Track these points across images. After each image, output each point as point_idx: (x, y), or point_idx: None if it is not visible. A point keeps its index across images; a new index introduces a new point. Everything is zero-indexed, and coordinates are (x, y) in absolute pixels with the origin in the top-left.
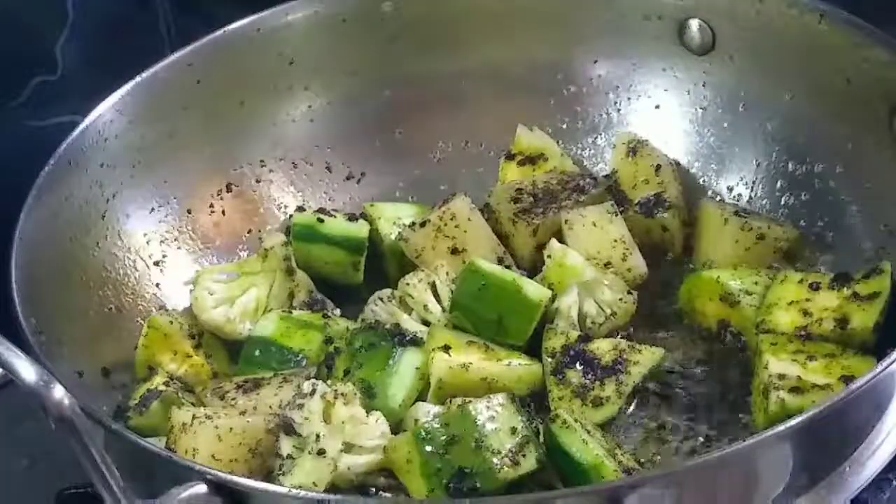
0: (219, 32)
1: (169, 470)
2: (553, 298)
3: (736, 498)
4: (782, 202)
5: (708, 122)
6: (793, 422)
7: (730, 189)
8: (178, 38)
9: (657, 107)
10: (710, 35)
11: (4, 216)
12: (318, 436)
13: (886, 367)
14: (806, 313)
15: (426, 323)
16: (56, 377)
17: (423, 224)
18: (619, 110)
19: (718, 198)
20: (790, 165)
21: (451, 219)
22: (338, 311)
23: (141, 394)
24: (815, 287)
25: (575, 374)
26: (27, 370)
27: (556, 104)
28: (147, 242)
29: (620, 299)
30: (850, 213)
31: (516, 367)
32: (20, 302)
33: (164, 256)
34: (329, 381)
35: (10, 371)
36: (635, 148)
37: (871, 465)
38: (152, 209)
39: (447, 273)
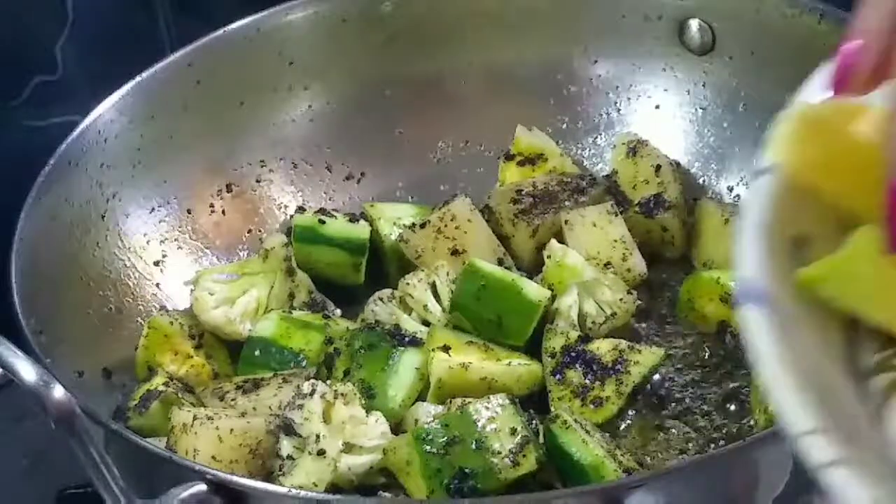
0: (219, 32)
1: (169, 470)
2: (553, 299)
3: (736, 498)
4: None
5: (708, 122)
6: None
7: (730, 189)
8: (178, 38)
9: (657, 107)
10: (710, 35)
11: (4, 216)
12: (318, 436)
13: None
14: None
15: (426, 323)
16: (56, 377)
17: (423, 225)
18: (619, 110)
19: (718, 198)
20: None
21: (452, 220)
22: (338, 312)
23: (141, 394)
24: None
25: (575, 375)
26: (27, 370)
27: (556, 104)
28: (147, 242)
29: (620, 299)
30: None
31: (516, 367)
32: (20, 302)
33: (164, 256)
34: (329, 382)
35: (10, 371)
36: (635, 148)
37: None
38: (152, 209)
39: (447, 273)
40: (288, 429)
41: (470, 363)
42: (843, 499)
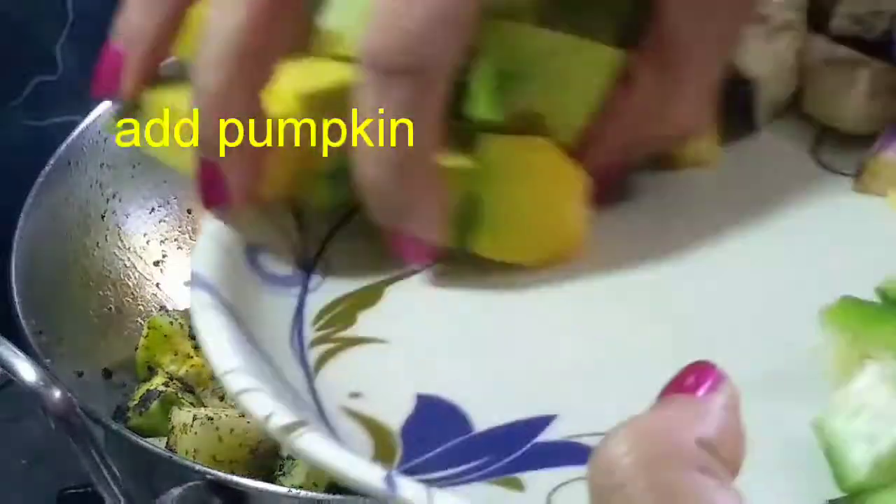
0: None
1: (169, 470)
2: None
3: None
4: None
5: None
6: None
7: None
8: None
9: None
10: None
11: (4, 216)
12: None
13: None
14: None
15: None
16: (56, 377)
17: None
18: None
19: None
20: None
21: None
22: None
23: (141, 394)
24: None
25: None
26: (27, 370)
27: None
28: (147, 242)
29: None
30: None
31: None
32: (20, 302)
33: (164, 256)
34: None
35: (10, 371)
36: None
37: None
38: (152, 209)
39: None
40: None
41: None
42: (252, 409)
